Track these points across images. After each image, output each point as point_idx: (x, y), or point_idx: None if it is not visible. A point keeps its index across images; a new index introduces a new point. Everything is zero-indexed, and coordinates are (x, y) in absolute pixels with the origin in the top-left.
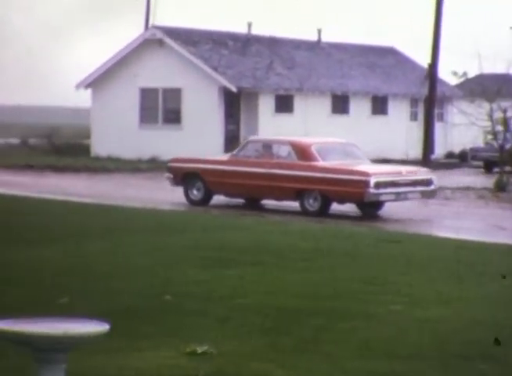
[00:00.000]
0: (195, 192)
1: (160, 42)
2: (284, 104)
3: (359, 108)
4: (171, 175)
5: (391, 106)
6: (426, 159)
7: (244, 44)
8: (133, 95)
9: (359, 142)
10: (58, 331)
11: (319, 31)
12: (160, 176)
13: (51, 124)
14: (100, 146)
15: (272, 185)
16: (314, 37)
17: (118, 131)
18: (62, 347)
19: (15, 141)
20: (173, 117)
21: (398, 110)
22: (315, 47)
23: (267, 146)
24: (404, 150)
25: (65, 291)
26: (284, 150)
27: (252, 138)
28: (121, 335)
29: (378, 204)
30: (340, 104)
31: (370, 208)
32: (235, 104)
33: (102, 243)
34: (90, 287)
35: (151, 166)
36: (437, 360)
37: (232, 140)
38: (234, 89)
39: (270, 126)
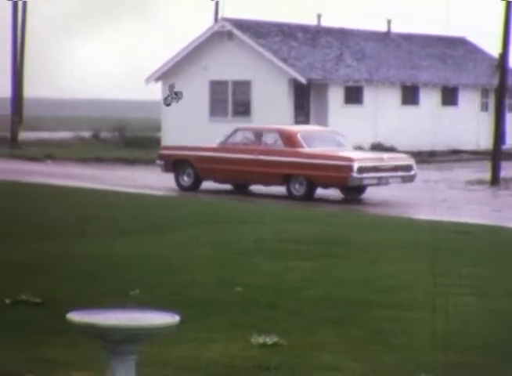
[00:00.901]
0: (185, 178)
1: (230, 35)
2: (354, 96)
3: (429, 99)
4: (162, 162)
5: (462, 96)
6: (497, 149)
7: (314, 35)
8: (203, 88)
9: (429, 134)
10: (130, 323)
11: (389, 22)
12: None
13: (122, 118)
14: (170, 139)
15: (259, 171)
16: (383, 28)
17: (188, 124)
18: (133, 339)
19: (86, 134)
20: (242, 109)
21: (469, 101)
22: (384, 38)
23: (255, 133)
24: (475, 140)
25: (137, 283)
26: (271, 137)
27: (240, 126)
28: (193, 327)
29: (361, 189)
30: (410, 95)
31: (353, 193)
32: (304, 96)
33: (174, 235)
34: (162, 279)
35: None
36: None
37: None
38: (304, 81)
39: (339, 118)
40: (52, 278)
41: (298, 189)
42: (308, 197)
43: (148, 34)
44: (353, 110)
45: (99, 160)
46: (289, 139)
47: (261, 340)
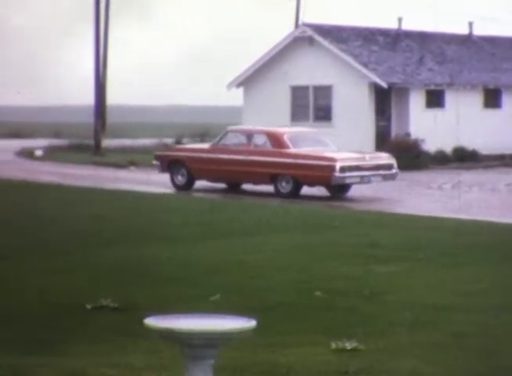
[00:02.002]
0: (180, 178)
1: (310, 40)
2: (435, 99)
3: None
4: (158, 163)
5: None
6: None
7: (394, 39)
8: (284, 93)
9: None
10: (206, 328)
11: (470, 25)
12: None
13: (204, 124)
14: None
15: (249, 170)
16: (464, 31)
17: None
18: (210, 343)
19: (169, 140)
20: (323, 114)
21: None
22: (466, 41)
23: (244, 135)
24: None
25: (218, 288)
26: (260, 139)
27: (230, 127)
28: (273, 332)
29: (346, 187)
30: (492, 98)
31: (339, 191)
32: (385, 100)
33: (254, 240)
34: (242, 283)
35: None
36: None
37: (383, 137)
38: (385, 85)
39: (421, 121)
40: (134, 283)
41: (285, 187)
42: (294, 194)
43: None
44: (434, 113)
45: None
46: (276, 141)
47: (340, 345)
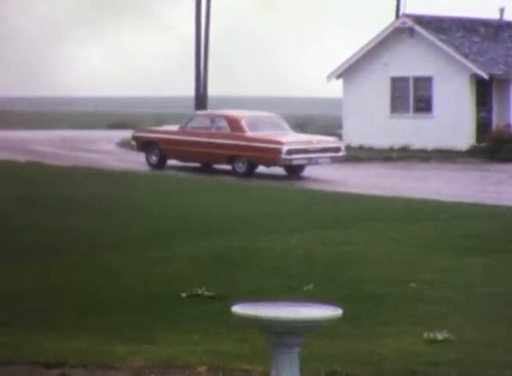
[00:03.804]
0: (153, 157)
1: (411, 31)
2: None
3: None
4: (135, 143)
5: None
6: None
7: (496, 30)
8: (384, 85)
9: None
10: (291, 315)
11: None
12: (411, 165)
13: (304, 115)
14: (352, 136)
15: (209, 152)
16: None
17: (369, 121)
18: (295, 331)
19: None
20: (423, 105)
21: None
22: None
23: (208, 118)
24: None
25: (312, 278)
26: (221, 123)
27: (197, 112)
28: (366, 322)
29: (300, 167)
30: None
31: (294, 170)
32: (486, 91)
33: (349, 231)
34: (337, 274)
35: (402, 155)
36: None
37: (483, 128)
38: (485, 76)
39: None
40: (229, 272)
41: (241, 167)
42: (249, 174)
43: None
44: None
45: None
46: (234, 124)
47: (432, 335)
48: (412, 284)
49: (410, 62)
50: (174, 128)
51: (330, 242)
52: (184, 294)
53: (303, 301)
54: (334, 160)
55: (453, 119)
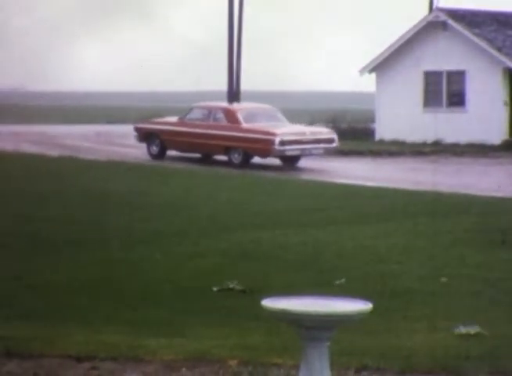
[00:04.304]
0: (154, 148)
1: (444, 25)
2: None
3: None
4: (137, 134)
5: None
6: None
7: None
8: (417, 79)
9: None
10: (320, 309)
11: None
12: (443, 160)
13: (336, 109)
14: (385, 130)
15: (207, 143)
16: None
17: (402, 115)
18: (325, 325)
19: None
20: (456, 99)
21: None
22: None
23: (206, 110)
24: None
25: (344, 272)
26: (218, 115)
27: (196, 104)
28: (397, 316)
29: (295, 158)
30: None
31: (290, 161)
32: None
33: (382, 225)
34: (369, 269)
35: (435, 149)
36: None
37: None
38: None
39: None
40: (260, 267)
41: (237, 158)
42: (245, 164)
43: None
44: None
45: None
46: (230, 116)
47: (463, 330)
48: (444, 279)
49: (443, 56)
50: (174, 119)
51: (362, 236)
52: (215, 289)
53: (328, 295)
54: (328, 151)
55: (486, 113)
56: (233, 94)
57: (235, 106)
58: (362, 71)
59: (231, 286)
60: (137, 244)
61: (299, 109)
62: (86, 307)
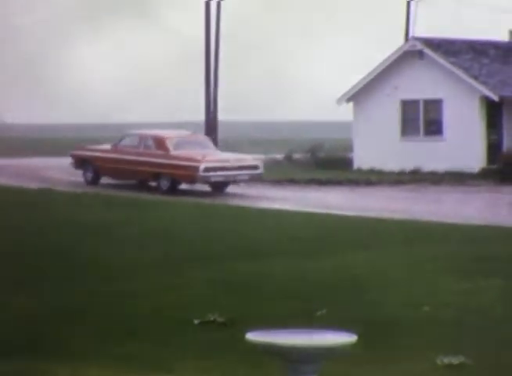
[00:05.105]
0: (88, 174)
1: (420, 54)
2: None
3: None
4: (73, 161)
5: None
6: None
7: (506, 52)
8: (394, 108)
9: None
10: (306, 343)
11: None
12: (422, 188)
13: (314, 139)
14: (362, 159)
15: (138, 169)
16: None
17: (380, 144)
18: (311, 358)
19: (279, 156)
20: (434, 128)
21: None
22: None
23: (137, 138)
24: None
25: (324, 302)
26: (148, 142)
27: (127, 132)
28: (379, 346)
29: (223, 185)
30: None
31: (219, 187)
32: (497, 113)
33: (362, 254)
34: (349, 298)
35: (413, 178)
36: None
37: (494, 150)
38: (496, 98)
39: None
40: (240, 298)
41: (165, 184)
42: (172, 191)
43: None
44: None
45: (292, 181)
46: (159, 144)
47: (446, 360)
48: (426, 308)
49: (420, 85)
50: (107, 146)
51: (342, 265)
52: (196, 321)
53: (312, 327)
54: (253, 177)
55: (464, 141)
56: (209, 124)
57: (165, 133)
58: (339, 101)
59: (212, 318)
60: (117, 276)
61: (277, 139)
62: (67, 341)
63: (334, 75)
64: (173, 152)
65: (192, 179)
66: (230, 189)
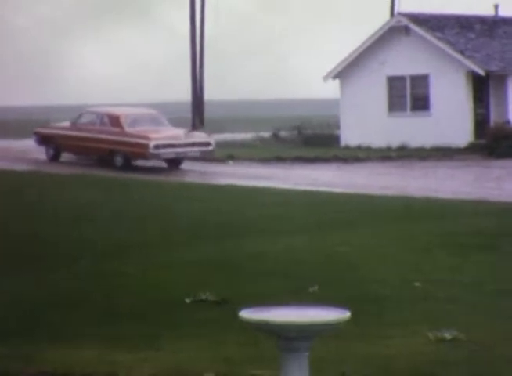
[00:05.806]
0: (51, 151)
1: (406, 29)
2: None
3: None
4: (36, 138)
5: None
6: None
7: (491, 26)
8: (380, 84)
9: None
10: (300, 319)
11: None
12: (410, 164)
13: (301, 116)
14: (350, 136)
15: (94, 146)
16: None
17: (367, 121)
18: (304, 335)
19: (266, 134)
20: (421, 103)
21: None
22: None
23: (94, 115)
24: None
25: (317, 280)
26: (103, 120)
27: (85, 110)
28: (372, 323)
29: (177, 161)
30: None
31: (173, 163)
32: (483, 88)
33: (354, 232)
34: (342, 275)
35: (401, 154)
36: None
37: (481, 125)
38: (482, 73)
39: None
40: (232, 276)
41: (119, 160)
42: (126, 167)
43: None
44: None
45: (279, 159)
46: (113, 121)
47: (439, 335)
48: (417, 283)
49: (406, 60)
50: (67, 124)
51: (333, 243)
52: (188, 300)
53: (305, 304)
54: (204, 153)
55: (451, 116)
56: (196, 104)
57: (119, 111)
58: (325, 78)
59: (204, 297)
60: (106, 258)
61: (262, 117)
62: (60, 323)
63: (321, 53)
64: (127, 129)
65: (143, 156)
66: (219, 168)
